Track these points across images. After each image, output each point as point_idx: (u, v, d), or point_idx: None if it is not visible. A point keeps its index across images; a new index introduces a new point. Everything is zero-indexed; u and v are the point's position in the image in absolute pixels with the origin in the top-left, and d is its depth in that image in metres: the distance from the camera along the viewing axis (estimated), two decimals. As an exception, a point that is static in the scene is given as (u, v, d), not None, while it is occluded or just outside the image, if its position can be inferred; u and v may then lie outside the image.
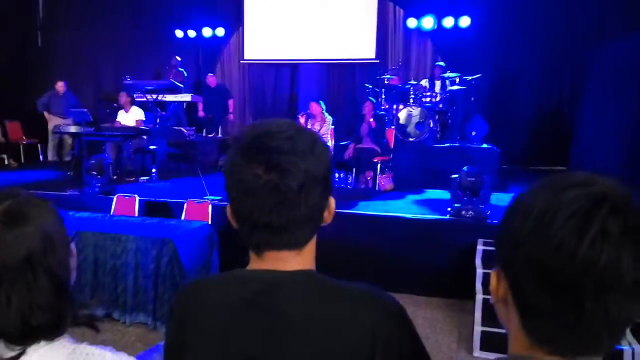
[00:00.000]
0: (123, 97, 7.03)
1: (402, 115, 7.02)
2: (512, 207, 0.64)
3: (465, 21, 8.02)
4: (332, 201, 0.84)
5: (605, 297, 0.55)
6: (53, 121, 8.18)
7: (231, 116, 8.85)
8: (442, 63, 7.70)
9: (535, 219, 0.58)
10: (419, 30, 8.50)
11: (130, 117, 6.93)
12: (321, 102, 6.59)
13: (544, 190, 0.61)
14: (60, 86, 8.38)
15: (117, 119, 7.03)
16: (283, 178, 0.75)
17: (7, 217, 0.81)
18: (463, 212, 4.40)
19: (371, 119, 6.14)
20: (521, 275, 0.60)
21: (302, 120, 6.51)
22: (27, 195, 0.88)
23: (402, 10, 8.80)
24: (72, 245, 0.92)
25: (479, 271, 3.74)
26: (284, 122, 0.82)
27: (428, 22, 8.20)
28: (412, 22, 8.37)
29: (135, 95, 7.38)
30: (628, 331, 3.09)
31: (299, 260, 0.81)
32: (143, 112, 7.13)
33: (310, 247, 0.84)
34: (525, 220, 0.59)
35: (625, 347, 3.05)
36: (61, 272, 0.85)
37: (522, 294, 0.60)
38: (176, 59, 8.91)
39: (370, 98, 6.54)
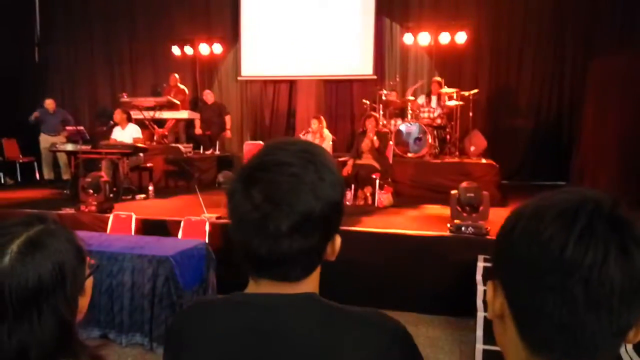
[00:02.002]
0: (118, 114, 6.95)
1: (400, 131, 7.04)
2: (506, 218, 0.66)
3: (461, 37, 8.08)
4: (337, 239, 0.81)
5: (595, 294, 0.55)
6: (44, 139, 8.13)
7: (228, 132, 8.85)
8: (439, 78, 7.74)
9: (526, 220, 0.61)
10: (415, 46, 8.56)
11: (126, 134, 6.88)
12: (322, 118, 6.57)
13: (535, 199, 0.64)
14: (49, 104, 8.28)
15: (113, 137, 6.98)
16: (275, 216, 0.72)
17: (26, 248, 0.81)
18: (463, 228, 4.40)
19: (374, 137, 6.09)
20: (516, 279, 0.61)
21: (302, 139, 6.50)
22: (54, 223, 0.88)
23: (398, 27, 8.88)
24: (89, 282, 0.91)
25: (480, 288, 3.73)
26: (294, 150, 0.77)
27: (424, 39, 8.25)
28: (408, 39, 8.43)
29: (132, 113, 7.35)
30: (631, 347, 3.05)
31: (299, 288, 0.79)
32: (140, 130, 7.09)
33: (310, 279, 0.80)
34: (517, 225, 0.61)
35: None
36: (67, 312, 0.84)
37: (517, 300, 0.61)
38: (174, 77, 8.93)
39: (373, 113, 6.53)
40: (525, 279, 0.59)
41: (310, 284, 0.80)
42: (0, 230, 0.83)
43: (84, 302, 0.90)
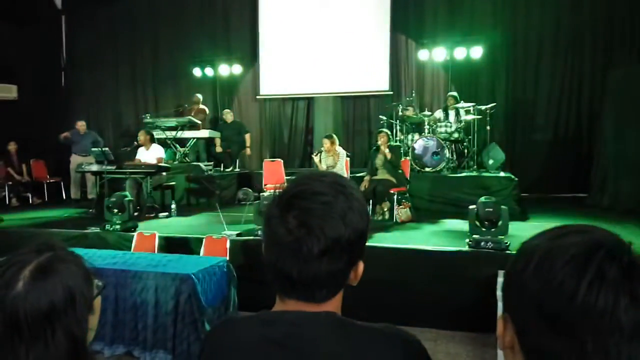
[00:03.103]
0: (142, 136, 7.13)
1: (418, 145, 7.06)
2: (517, 253, 0.66)
3: (477, 51, 8.10)
4: (360, 265, 0.87)
5: (604, 340, 0.56)
6: (75, 159, 8.39)
7: (248, 150, 9.01)
8: (454, 93, 7.76)
9: (537, 263, 0.61)
10: (431, 61, 8.62)
11: (150, 154, 7.05)
12: (333, 135, 6.61)
13: (545, 237, 0.64)
14: (80, 125, 8.59)
15: (137, 157, 7.14)
16: (307, 240, 0.78)
17: (38, 272, 0.86)
18: (482, 243, 4.35)
19: (386, 150, 6.13)
20: (525, 319, 0.62)
21: (316, 159, 6.55)
22: (62, 248, 0.94)
23: (414, 43, 8.97)
24: (97, 302, 0.96)
25: (501, 304, 3.67)
26: (327, 181, 0.84)
27: (440, 54, 8.30)
28: (424, 54, 8.49)
29: (154, 133, 7.53)
30: None
31: (322, 308, 0.84)
32: (163, 150, 7.25)
33: (334, 301, 0.86)
34: (528, 265, 0.62)
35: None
36: (79, 331, 0.89)
37: (527, 337, 0.62)
38: (197, 97, 9.16)
39: (384, 129, 6.58)
40: (535, 320, 0.60)
41: (334, 306, 0.86)
42: (13, 259, 0.88)
43: (93, 320, 0.94)
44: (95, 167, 6.92)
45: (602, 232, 0.62)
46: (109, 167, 6.68)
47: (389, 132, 6.51)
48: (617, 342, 0.56)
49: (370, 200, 6.23)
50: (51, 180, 9.00)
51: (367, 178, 6.29)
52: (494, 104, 7.44)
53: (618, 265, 0.57)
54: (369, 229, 0.86)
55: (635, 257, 0.59)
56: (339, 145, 6.60)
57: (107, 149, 7.14)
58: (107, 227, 5.38)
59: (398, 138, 7.62)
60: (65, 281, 0.87)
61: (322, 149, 6.50)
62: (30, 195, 8.60)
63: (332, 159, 6.40)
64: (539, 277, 0.60)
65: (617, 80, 6.77)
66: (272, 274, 0.84)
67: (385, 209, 6.10)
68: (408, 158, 6.75)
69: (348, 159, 6.72)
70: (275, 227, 0.81)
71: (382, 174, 6.24)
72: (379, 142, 6.20)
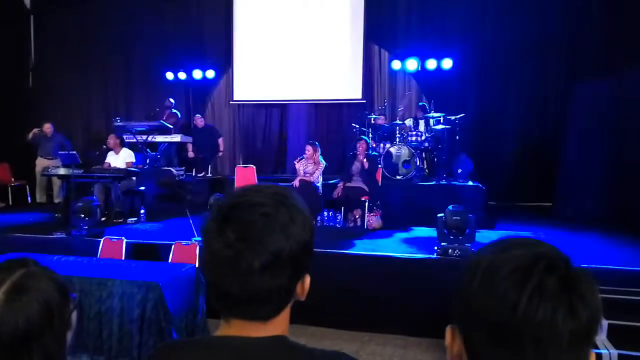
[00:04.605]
0: (112, 140, 7.01)
1: (389, 154, 7.15)
2: (464, 267, 0.69)
3: (447, 63, 8.30)
4: (307, 279, 0.83)
5: (544, 349, 0.59)
6: (41, 162, 8.17)
7: (221, 155, 8.94)
8: (425, 103, 7.90)
9: (482, 274, 0.64)
10: (403, 71, 8.77)
11: (120, 159, 6.93)
12: (317, 143, 6.63)
13: (491, 249, 0.67)
14: (47, 127, 8.35)
15: (107, 161, 7.02)
16: (247, 254, 0.74)
17: (13, 293, 0.83)
18: (450, 251, 4.44)
19: (364, 159, 6.19)
20: (472, 329, 0.64)
21: (297, 165, 6.55)
22: (34, 264, 0.90)
23: (386, 53, 9.10)
24: (73, 316, 0.93)
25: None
26: (267, 193, 0.80)
27: (412, 64, 8.47)
28: (396, 64, 8.64)
29: (125, 137, 7.41)
30: (605, 337, 3.13)
31: (268, 328, 0.79)
32: (133, 154, 7.14)
33: (280, 318, 0.81)
34: (474, 276, 0.64)
35: (604, 351, 3.07)
36: (56, 348, 0.86)
37: (473, 348, 0.64)
38: (169, 100, 9.06)
39: (363, 137, 6.63)
40: (481, 331, 0.62)
41: (281, 324, 0.81)
42: None
43: (69, 335, 0.92)
44: (62, 171, 6.75)
45: (543, 245, 0.65)
46: (76, 171, 6.53)
47: (368, 141, 6.57)
48: (555, 351, 0.59)
49: (342, 208, 6.28)
50: (16, 184, 8.74)
51: (340, 185, 6.32)
52: (463, 114, 7.61)
53: (557, 277, 0.60)
54: (313, 241, 0.82)
55: (573, 270, 0.62)
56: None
57: (74, 152, 6.98)
58: (74, 232, 5.26)
59: (371, 146, 7.69)
60: (41, 298, 0.85)
61: (304, 155, 6.51)
62: (-7, 199, 8.34)
63: (311, 166, 6.42)
64: (484, 289, 0.62)
65: (581, 94, 7.01)
66: (212, 293, 0.79)
67: (357, 216, 6.16)
68: (380, 166, 6.81)
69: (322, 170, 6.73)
70: (213, 242, 0.76)
71: (356, 182, 6.29)
72: (359, 150, 6.26)
